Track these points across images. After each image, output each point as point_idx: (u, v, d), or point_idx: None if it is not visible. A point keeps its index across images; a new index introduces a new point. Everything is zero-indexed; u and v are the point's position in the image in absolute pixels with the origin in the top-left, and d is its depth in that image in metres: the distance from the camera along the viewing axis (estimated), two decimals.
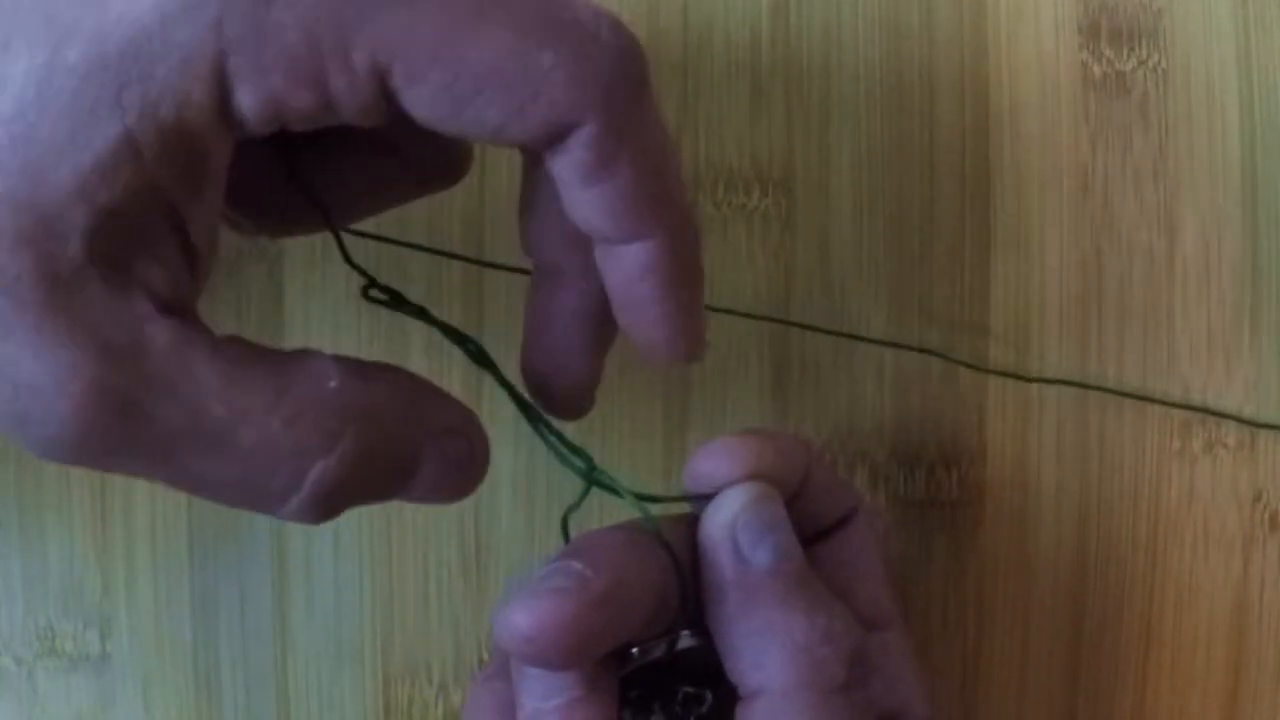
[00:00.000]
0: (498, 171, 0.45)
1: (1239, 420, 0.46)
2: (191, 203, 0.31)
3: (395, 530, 0.46)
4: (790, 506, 0.38)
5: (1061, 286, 0.47)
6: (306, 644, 0.46)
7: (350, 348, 0.46)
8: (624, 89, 0.33)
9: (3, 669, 0.46)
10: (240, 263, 0.46)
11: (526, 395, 0.39)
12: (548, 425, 0.38)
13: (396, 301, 0.38)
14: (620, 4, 0.46)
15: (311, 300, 0.46)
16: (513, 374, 0.39)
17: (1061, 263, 0.47)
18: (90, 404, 0.30)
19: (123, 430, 0.30)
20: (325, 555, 0.46)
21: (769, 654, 0.36)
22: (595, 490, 0.38)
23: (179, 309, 0.31)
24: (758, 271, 0.46)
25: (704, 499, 0.38)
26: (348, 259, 0.38)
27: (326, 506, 0.33)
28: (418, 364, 0.45)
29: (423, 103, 0.32)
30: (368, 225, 0.41)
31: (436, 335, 0.39)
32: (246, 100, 0.30)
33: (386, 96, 0.32)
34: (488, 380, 0.38)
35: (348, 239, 0.38)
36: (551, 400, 0.39)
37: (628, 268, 0.35)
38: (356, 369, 0.33)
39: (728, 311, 0.46)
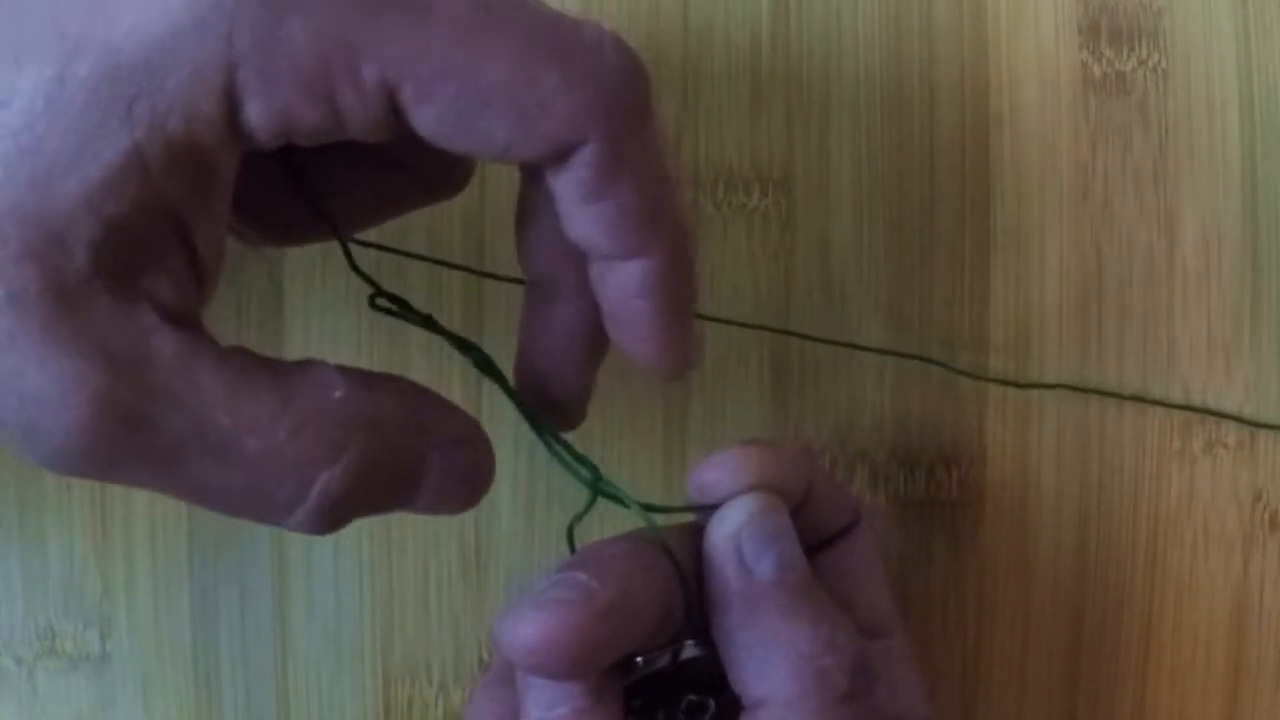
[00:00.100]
0: (498, 178, 0.45)
1: (1239, 420, 0.47)
2: (198, 215, 0.31)
3: (395, 531, 0.46)
4: (794, 516, 0.38)
5: (1061, 286, 0.47)
6: (306, 644, 0.46)
7: (350, 349, 0.46)
8: (628, 108, 0.33)
9: (3, 669, 0.46)
10: (240, 264, 0.45)
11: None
12: (553, 435, 0.38)
13: (403, 310, 0.38)
14: (621, 5, 0.46)
15: (312, 302, 0.46)
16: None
17: (1061, 262, 0.47)
18: (96, 415, 0.30)
19: (128, 441, 0.30)
20: (325, 556, 0.46)
21: (773, 664, 0.36)
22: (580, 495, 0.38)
23: (184, 320, 0.31)
24: (758, 272, 0.46)
25: (709, 509, 0.38)
26: (355, 268, 0.38)
27: (332, 517, 0.33)
28: (418, 368, 0.45)
29: (430, 121, 0.32)
30: (368, 231, 0.41)
31: (437, 339, 0.39)
32: (255, 114, 0.30)
33: (394, 113, 0.32)
34: (488, 385, 0.38)
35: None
36: (545, 410, 0.39)
37: (623, 284, 0.35)
38: (361, 379, 0.33)
39: (727, 321, 0.46)
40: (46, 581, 0.46)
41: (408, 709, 0.47)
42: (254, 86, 0.30)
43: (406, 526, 0.46)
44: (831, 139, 0.46)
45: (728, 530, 0.37)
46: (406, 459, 0.34)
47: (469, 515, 0.46)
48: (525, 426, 0.39)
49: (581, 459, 0.38)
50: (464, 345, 0.38)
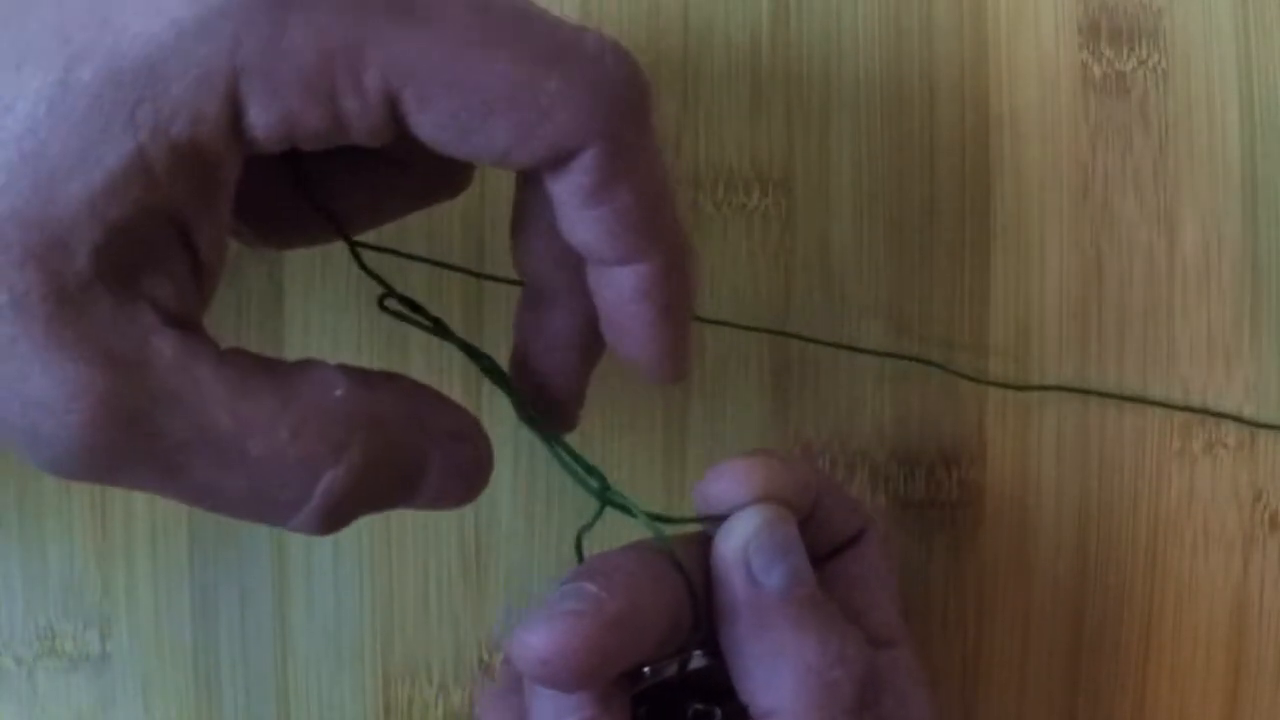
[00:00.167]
0: (498, 179, 0.45)
1: (1239, 420, 0.47)
2: (201, 218, 0.31)
3: (395, 531, 0.46)
4: (802, 527, 0.38)
5: (1061, 286, 0.47)
6: (307, 644, 0.46)
7: (350, 349, 0.46)
8: (627, 114, 0.33)
9: (3, 669, 0.46)
10: (240, 263, 0.45)
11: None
12: (561, 444, 0.38)
13: (414, 312, 0.38)
14: (621, 5, 0.46)
15: (312, 302, 0.46)
16: None
17: (1061, 262, 0.47)
18: (98, 418, 0.30)
19: (130, 444, 0.30)
20: (325, 556, 0.46)
21: (781, 676, 0.36)
22: (578, 485, 0.38)
23: (185, 322, 0.31)
24: (758, 272, 0.46)
25: (716, 520, 0.38)
26: (366, 269, 0.38)
27: (335, 517, 0.33)
28: (418, 368, 0.45)
29: (431, 126, 0.32)
30: (366, 233, 0.41)
31: (437, 339, 0.39)
32: (259, 119, 0.30)
33: (395, 119, 0.32)
34: (488, 385, 0.39)
35: (345, 246, 0.38)
36: (540, 411, 0.39)
37: (620, 289, 0.35)
38: (361, 377, 0.33)
39: (728, 324, 0.46)
40: (46, 581, 0.46)
41: (408, 709, 0.47)
42: (258, 91, 0.30)
43: (406, 527, 0.46)
44: (831, 139, 0.46)
45: (736, 542, 0.37)
46: (408, 456, 0.34)
47: (469, 515, 0.46)
48: (525, 427, 0.39)
49: (590, 469, 0.38)
50: (473, 352, 0.38)
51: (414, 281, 0.45)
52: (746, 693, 0.36)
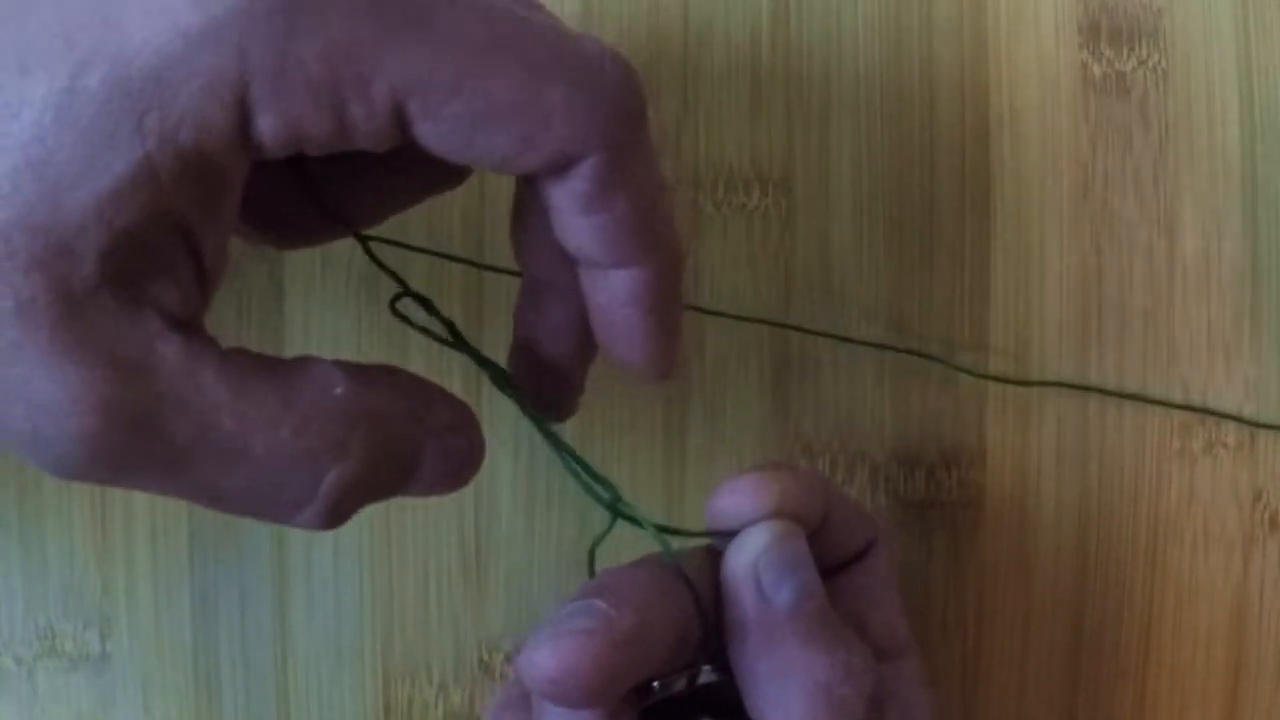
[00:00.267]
0: (497, 175, 0.45)
1: (1239, 420, 0.47)
2: (206, 224, 0.31)
3: (395, 531, 0.46)
4: (812, 540, 0.38)
5: (1061, 286, 0.47)
6: (306, 644, 0.46)
7: (350, 349, 0.46)
8: (626, 123, 0.33)
9: (3, 669, 0.46)
10: (240, 263, 0.45)
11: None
12: (572, 454, 0.38)
13: (429, 312, 0.38)
14: (621, 5, 0.46)
15: (312, 302, 0.46)
16: None
17: (1061, 262, 0.47)
18: (102, 421, 0.30)
19: (134, 447, 0.30)
20: (325, 555, 0.46)
21: (790, 692, 0.36)
22: (588, 495, 0.38)
23: (187, 324, 0.31)
24: (758, 271, 0.46)
25: (726, 535, 0.38)
26: (382, 266, 0.38)
27: (339, 513, 0.33)
28: (418, 368, 0.45)
29: (435, 134, 0.32)
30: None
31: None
32: (266, 126, 0.30)
33: (400, 126, 0.32)
34: (488, 385, 0.39)
35: (345, 245, 0.38)
36: (538, 404, 0.39)
37: (613, 292, 0.35)
38: (360, 373, 0.34)
39: (726, 314, 0.46)
40: (46, 581, 0.46)
41: (408, 709, 0.47)
42: (266, 99, 0.30)
43: (406, 527, 0.46)
44: (831, 139, 0.46)
45: (746, 559, 0.37)
46: (405, 448, 0.34)
47: (469, 515, 0.46)
48: (526, 426, 0.39)
49: (601, 479, 0.38)
50: (483, 361, 0.39)
51: (414, 276, 0.45)
52: (756, 709, 0.36)
